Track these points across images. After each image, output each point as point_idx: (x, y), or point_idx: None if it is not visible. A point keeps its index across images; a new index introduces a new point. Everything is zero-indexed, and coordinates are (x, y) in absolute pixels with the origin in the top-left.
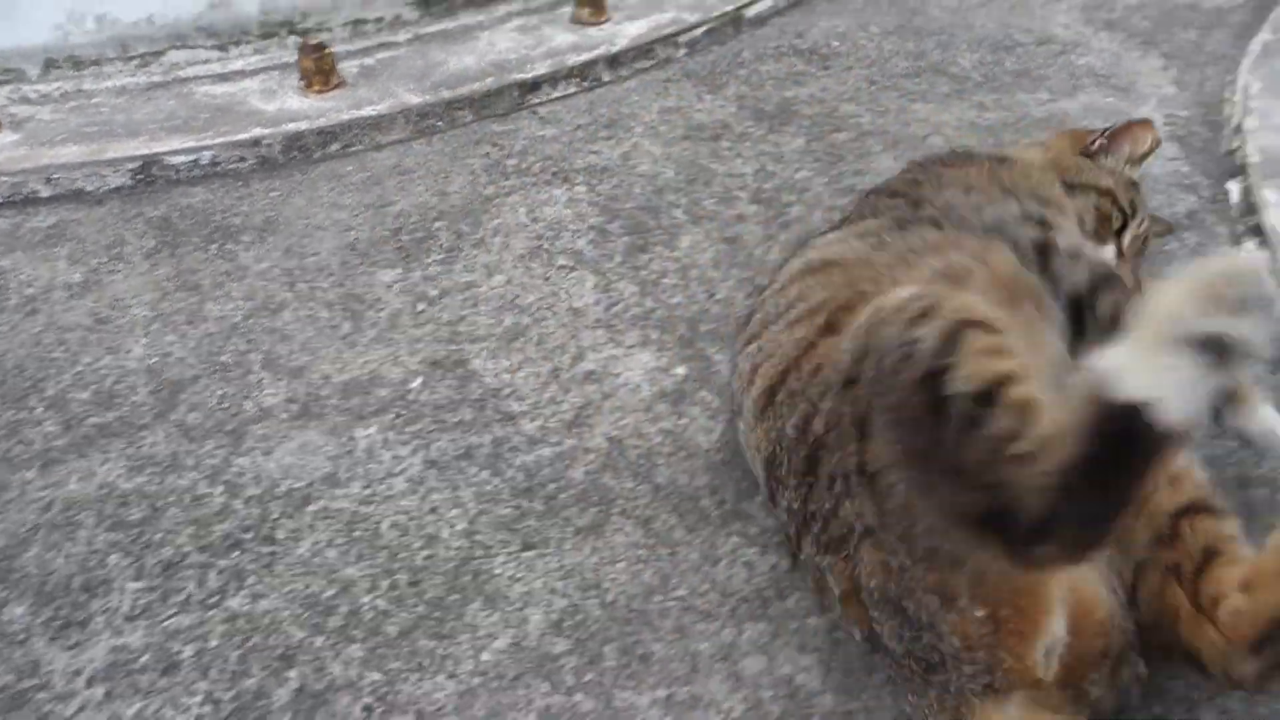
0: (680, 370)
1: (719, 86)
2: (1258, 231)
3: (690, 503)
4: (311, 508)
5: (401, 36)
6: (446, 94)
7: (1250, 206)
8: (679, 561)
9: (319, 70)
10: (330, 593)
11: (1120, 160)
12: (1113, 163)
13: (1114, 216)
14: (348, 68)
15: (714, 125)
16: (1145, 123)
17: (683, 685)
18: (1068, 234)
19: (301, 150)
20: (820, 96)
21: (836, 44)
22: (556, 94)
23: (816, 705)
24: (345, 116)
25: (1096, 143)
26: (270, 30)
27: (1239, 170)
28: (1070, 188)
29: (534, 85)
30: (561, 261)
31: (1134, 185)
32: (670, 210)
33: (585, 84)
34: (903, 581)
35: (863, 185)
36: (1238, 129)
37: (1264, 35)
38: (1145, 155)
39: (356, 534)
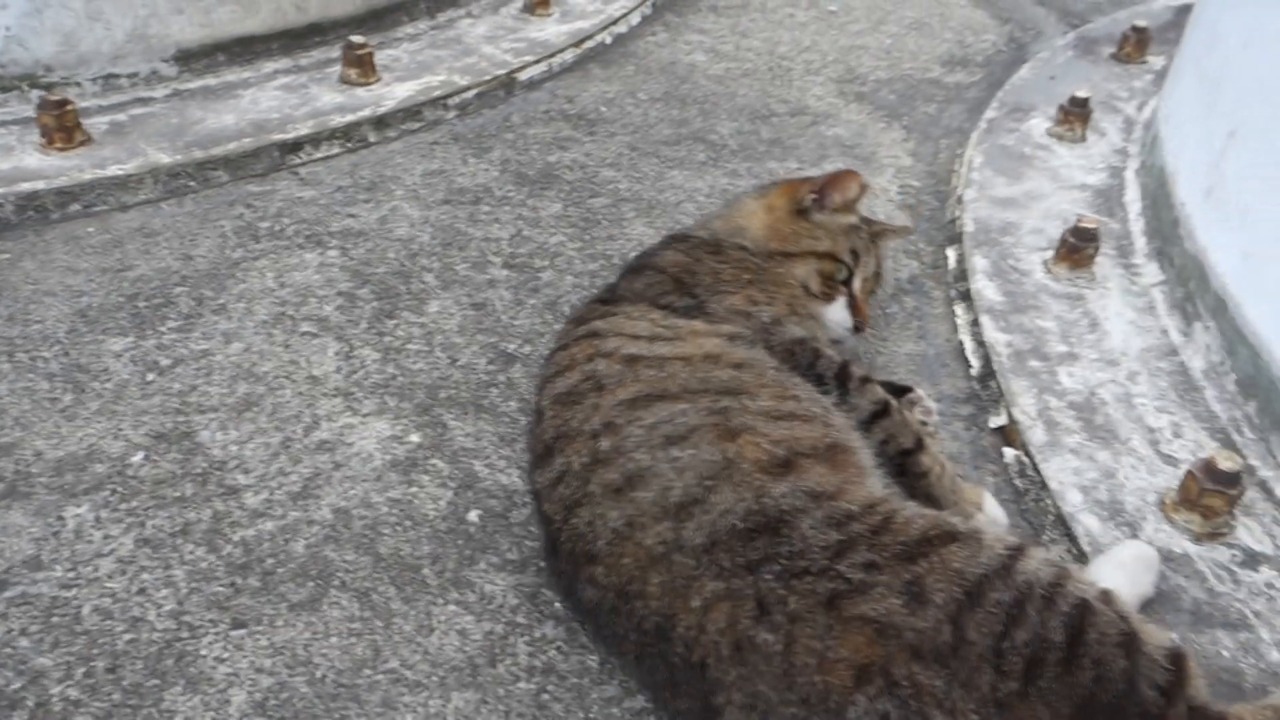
0: (414, 438)
1: (484, 150)
2: (966, 296)
3: (411, 573)
4: (7, 594)
5: (159, 92)
6: (200, 154)
7: (963, 273)
8: (393, 633)
9: (60, 127)
10: (17, 685)
11: (833, 211)
12: (827, 216)
13: (838, 271)
14: (96, 124)
15: (475, 189)
16: (850, 172)
17: None
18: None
19: (37, 210)
20: (583, 162)
21: (604, 109)
22: (319, 155)
23: None
24: (87, 176)
25: (808, 199)
26: (9, 84)
27: (957, 238)
28: (789, 257)
29: (295, 146)
30: (305, 328)
31: (854, 229)
32: (422, 275)
33: (349, 145)
34: None
35: (614, 251)
36: (959, 200)
37: (990, 112)
38: (855, 201)
39: (54, 620)
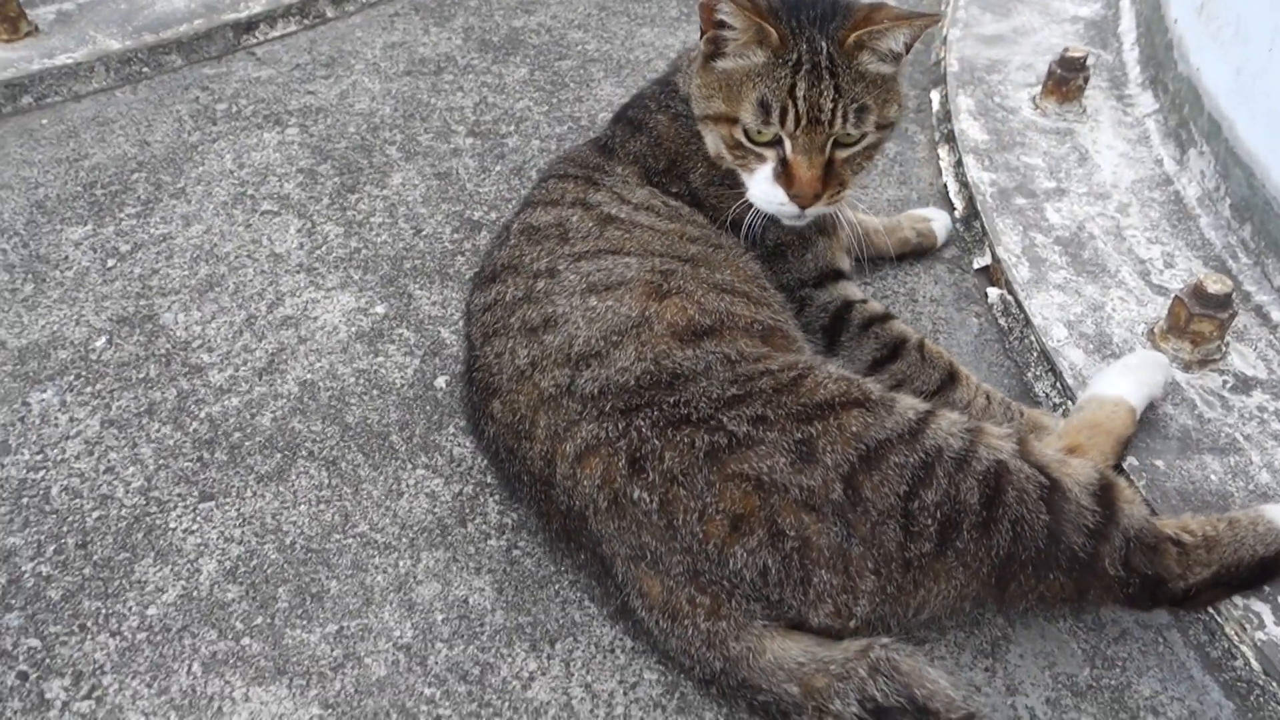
0: (380, 309)
1: (447, 19)
2: (951, 138)
3: (379, 440)
4: None
5: None
6: (151, 38)
7: (947, 114)
8: (362, 499)
9: (4, 18)
10: None
11: (737, 55)
12: (732, 61)
13: (756, 134)
14: (43, 15)
15: (438, 59)
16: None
17: (355, 618)
18: None
19: None
20: (549, 25)
21: None
22: (275, 33)
23: (487, 623)
24: (36, 67)
25: (704, 40)
26: None
27: (941, 80)
28: (700, 121)
29: (250, 25)
30: (266, 207)
31: (771, 70)
32: (384, 148)
33: (307, 22)
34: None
35: (581, 113)
36: (944, 40)
37: None
38: (751, 30)
39: (24, 501)
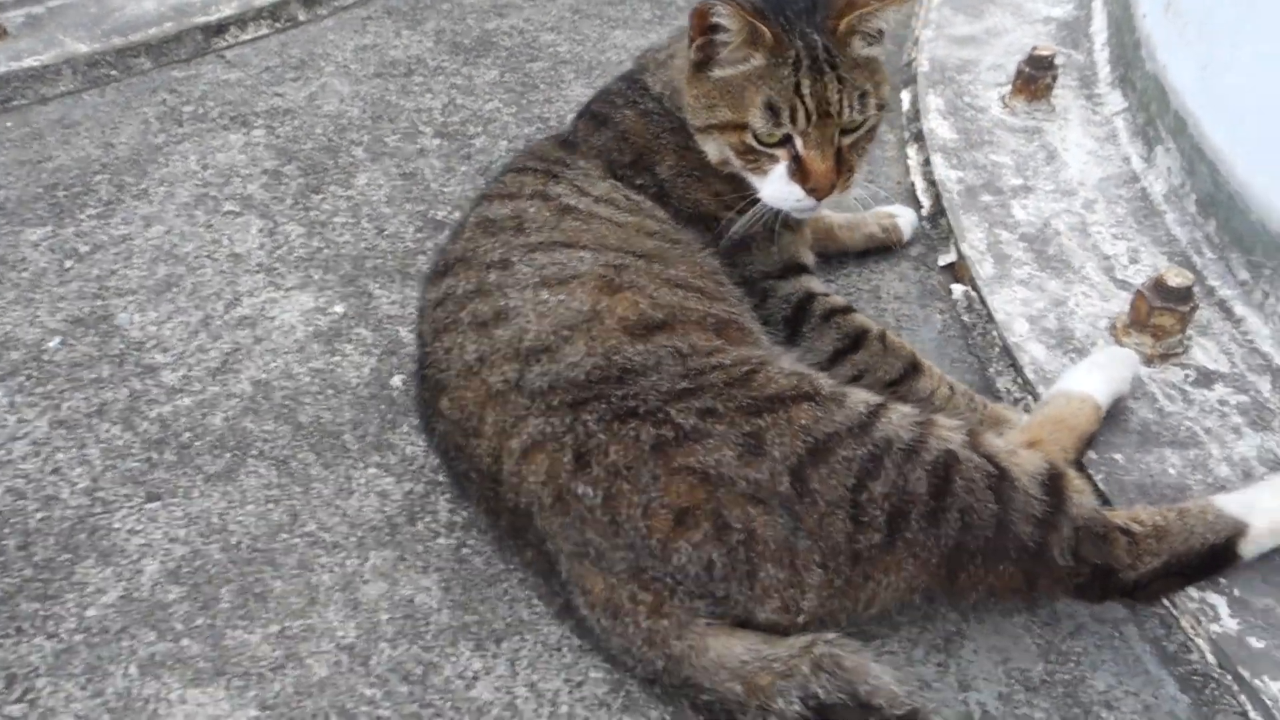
0: (339, 309)
1: (419, 22)
2: (919, 137)
3: (331, 439)
4: None
5: None
6: (120, 41)
7: (916, 113)
8: (311, 498)
9: None
10: None
11: (731, 63)
12: (727, 70)
13: (767, 135)
14: (12, 18)
15: (408, 61)
16: (700, 6)
17: (298, 618)
18: None
19: None
20: (521, 27)
21: None
22: (246, 36)
23: (433, 622)
24: (1, 70)
25: (693, 51)
26: None
27: (913, 80)
28: (700, 133)
29: (220, 28)
30: (228, 207)
31: (770, 70)
32: (350, 149)
33: (279, 25)
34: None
35: (550, 114)
36: (915, 41)
37: None
38: (745, 32)
39: None
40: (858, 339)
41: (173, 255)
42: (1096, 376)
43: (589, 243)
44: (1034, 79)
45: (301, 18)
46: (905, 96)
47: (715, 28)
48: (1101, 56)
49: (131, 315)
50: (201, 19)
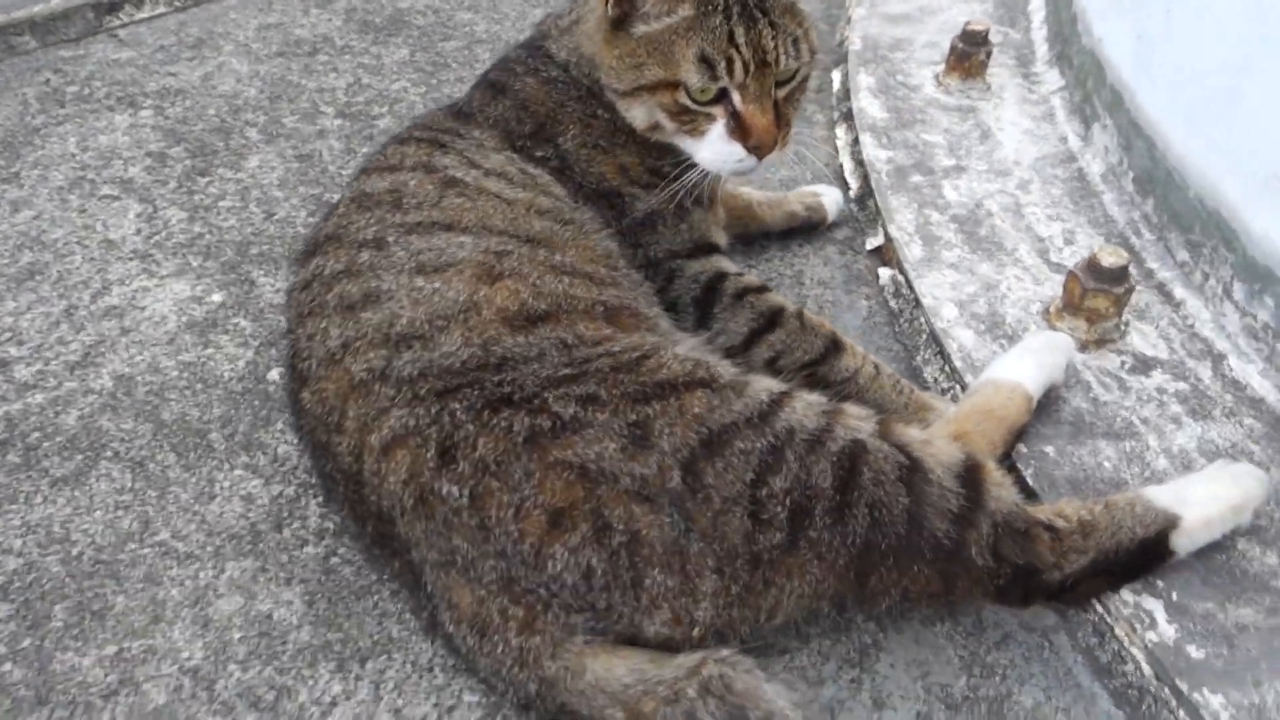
0: (216, 297)
1: (329, 1)
2: (849, 117)
3: (196, 438)
4: None
5: None
6: (1, 18)
7: (847, 93)
8: (167, 503)
9: None
10: None
11: (656, 16)
12: (652, 25)
13: (700, 93)
14: None
15: (314, 40)
16: None
17: (139, 638)
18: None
19: None
20: (437, 6)
21: None
22: (142, 15)
23: (291, 640)
24: None
25: (611, 3)
26: None
27: (844, 59)
28: (623, 96)
29: (113, 6)
30: (105, 191)
31: (698, 22)
32: (244, 130)
33: (178, 3)
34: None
35: (461, 93)
36: (848, 20)
37: None
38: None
39: None
40: (773, 318)
41: (39, 242)
42: (1028, 363)
43: (470, 224)
44: (967, 55)
45: None
46: (836, 76)
47: None
48: (1039, 34)
49: None
50: None
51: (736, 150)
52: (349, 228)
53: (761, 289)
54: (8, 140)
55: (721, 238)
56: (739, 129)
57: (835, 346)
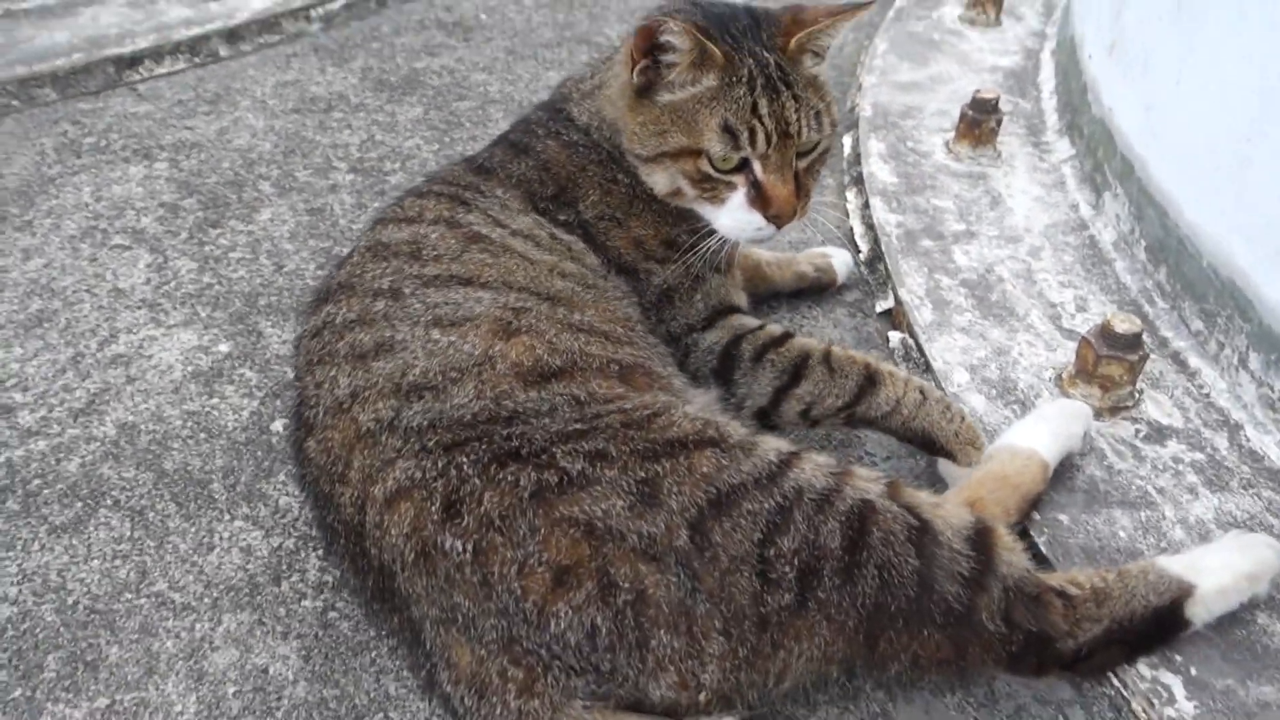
0: (223, 348)
1: (346, 60)
2: (860, 181)
3: (197, 488)
4: None
5: None
6: (23, 70)
7: (857, 157)
8: (165, 553)
9: None
10: None
11: (681, 85)
12: (676, 93)
13: (722, 162)
14: None
15: (330, 97)
16: (652, 18)
17: (131, 691)
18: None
19: None
20: (453, 67)
21: (484, 17)
22: (161, 70)
23: (286, 696)
24: None
25: (636, 75)
26: None
27: (855, 125)
28: (645, 162)
29: (134, 60)
30: (117, 241)
31: (723, 91)
32: (257, 183)
33: (197, 59)
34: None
35: (474, 151)
36: (859, 87)
37: (900, 1)
38: (694, 53)
39: None
40: (797, 371)
41: (49, 289)
42: (1044, 431)
43: (491, 280)
44: (978, 122)
45: (223, 53)
46: (847, 141)
47: (661, 48)
48: (1049, 104)
49: None
50: (115, 51)
51: (756, 219)
52: (363, 276)
53: (783, 339)
54: (23, 189)
55: (741, 299)
56: (759, 198)
57: (870, 382)
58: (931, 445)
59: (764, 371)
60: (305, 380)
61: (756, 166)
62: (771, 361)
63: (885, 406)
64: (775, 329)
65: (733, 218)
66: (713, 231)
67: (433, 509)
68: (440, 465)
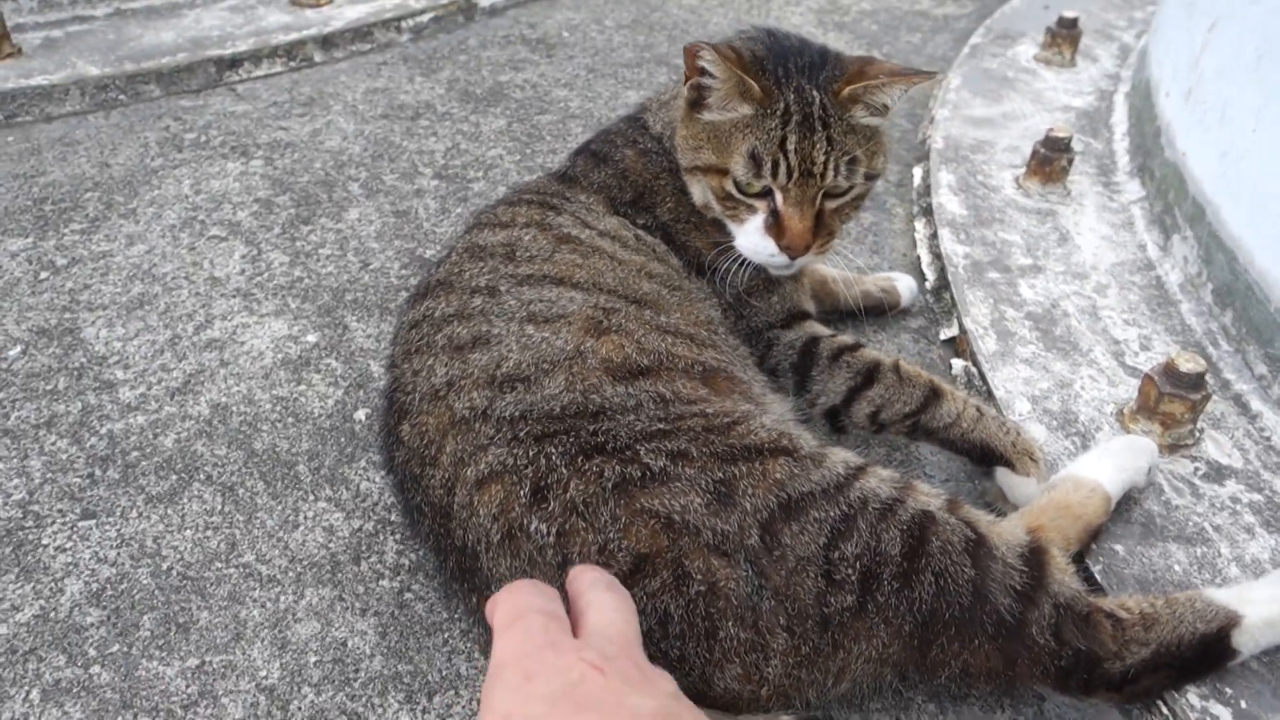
0: (311, 338)
1: (434, 70)
2: (929, 211)
3: (284, 469)
4: None
5: (99, 11)
6: (131, 67)
7: (927, 188)
8: (253, 528)
9: None
10: None
11: (720, 108)
12: (716, 114)
13: (747, 185)
14: (30, 39)
15: (417, 105)
16: (695, 43)
17: (220, 654)
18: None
19: None
20: (535, 82)
21: (567, 35)
22: (259, 72)
23: (364, 668)
24: (10, 85)
25: (687, 86)
26: None
27: (925, 156)
28: (688, 174)
29: (234, 62)
30: (214, 232)
31: (758, 121)
32: (347, 184)
33: (293, 64)
34: None
35: (553, 165)
36: (931, 119)
37: (975, 38)
38: (729, 80)
39: None
40: (870, 374)
41: (150, 274)
42: (1109, 465)
43: (582, 280)
44: (1049, 160)
45: (317, 58)
46: (917, 172)
47: (704, 71)
48: (1121, 146)
49: (99, 330)
50: (216, 52)
51: (770, 245)
52: (461, 275)
53: (856, 346)
54: (128, 179)
55: (811, 305)
56: (776, 226)
57: (935, 394)
58: (989, 456)
59: (840, 371)
60: (402, 368)
61: (778, 197)
62: (847, 363)
63: (947, 418)
64: (848, 338)
65: (749, 239)
66: (728, 248)
67: (522, 492)
68: (531, 454)
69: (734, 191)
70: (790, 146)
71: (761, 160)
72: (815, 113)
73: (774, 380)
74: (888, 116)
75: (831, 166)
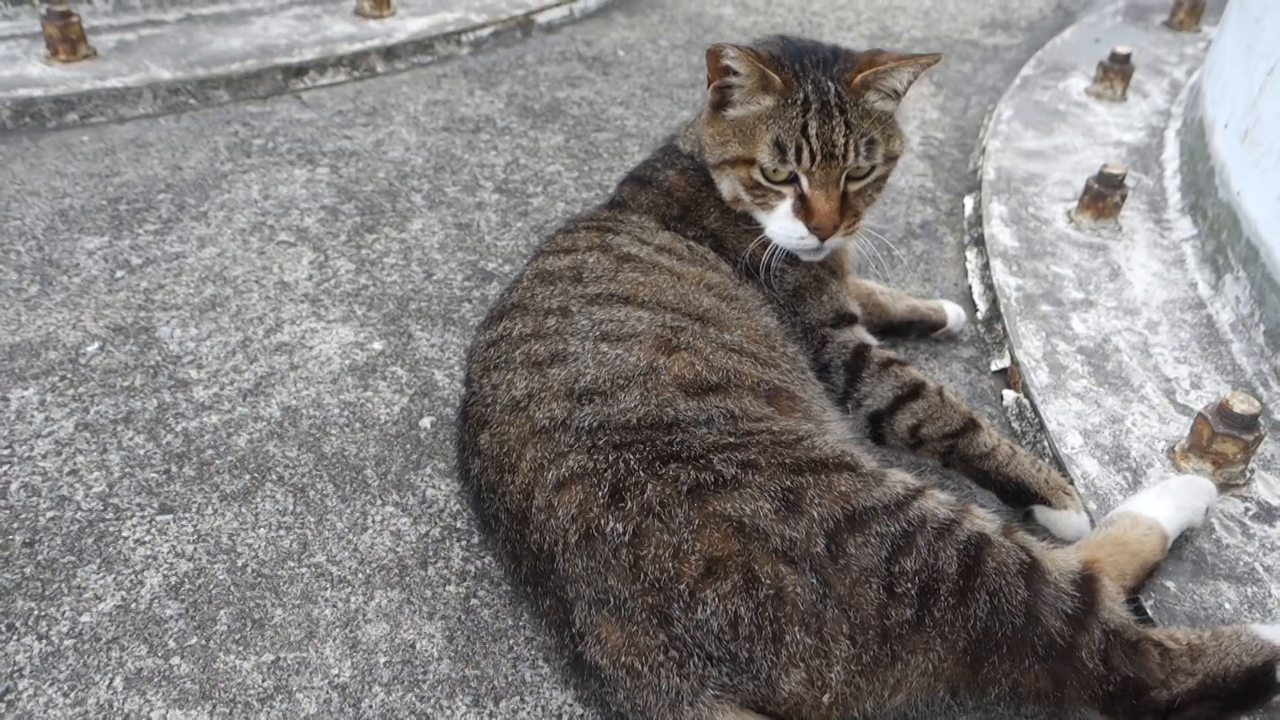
0: (377, 345)
1: (493, 84)
2: (980, 241)
3: (353, 473)
4: None
5: (171, 15)
6: (202, 72)
7: (979, 218)
8: (324, 529)
9: (64, 38)
10: None
11: (743, 104)
12: (741, 110)
13: (773, 172)
14: (104, 41)
15: (478, 119)
16: (716, 45)
17: (294, 650)
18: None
19: (34, 117)
20: (592, 99)
21: (622, 54)
22: (324, 80)
23: (432, 671)
24: (86, 86)
25: (711, 89)
26: None
27: (977, 186)
28: (716, 170)
29: (300, 70)
30: (283, 237)
31: (779, 112)
32: (410, 195)
33: (356, 73)
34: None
35: (610, 182)
36: (983, 150)
37: (1027, 70)
38: (751, 76)
39: None
40: (916, 389)
41: (222, 277)
42: (1168, 504)
43: (646, 299)
44: (1103, 196)
45: (379, 69)
46: (969, 202)
47: (728, 70)
48: (1172, 183)
49: (173, 329)
50: (283, 60)
51: (799, 228)
52: (534, 298)
53: (904, 362)
54: (199, 182)
55: (858, 309)
56: (804, 209)
57: (973, 424)
58: (1023, 494)
59: (888, 379)
60: (482, 382)
61: (803, 181)
62: (895, 374)
63: (984, 448)
64: (895, 353)
65: (779, 224)
66: (767, 241)
67: (600, 493)
68: (610, 459)
69: (761, 179)
70: (812, 132)
71: (785, 146)
72: (832, 100)
73: (823, 377)
74: (901, 105)
75: (852, 148)
